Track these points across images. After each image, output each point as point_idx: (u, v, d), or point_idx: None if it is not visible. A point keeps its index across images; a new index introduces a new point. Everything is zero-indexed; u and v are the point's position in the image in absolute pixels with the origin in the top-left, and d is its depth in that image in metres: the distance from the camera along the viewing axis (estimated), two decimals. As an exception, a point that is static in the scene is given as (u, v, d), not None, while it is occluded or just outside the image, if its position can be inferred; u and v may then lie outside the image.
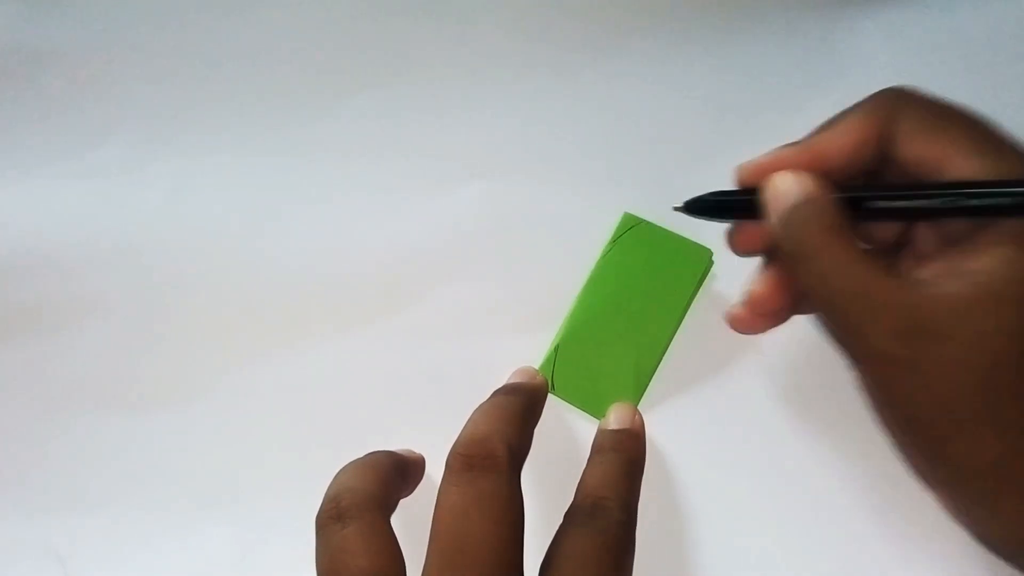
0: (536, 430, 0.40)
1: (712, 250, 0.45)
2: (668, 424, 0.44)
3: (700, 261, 0.45)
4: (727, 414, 0.45)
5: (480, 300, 0.47)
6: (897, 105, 0.36)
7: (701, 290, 0.45)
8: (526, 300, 0.46)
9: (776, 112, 0.48)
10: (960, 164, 0.34)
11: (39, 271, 0.48)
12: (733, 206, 0.39)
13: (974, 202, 0.33)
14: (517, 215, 0.48)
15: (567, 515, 0.37)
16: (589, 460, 0.40)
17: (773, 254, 0.39)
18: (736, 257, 0.44)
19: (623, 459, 0.40)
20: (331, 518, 0.35)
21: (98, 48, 0.51)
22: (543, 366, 0.44)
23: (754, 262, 0.44)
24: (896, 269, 0.37)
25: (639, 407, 0.43)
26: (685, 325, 0.45)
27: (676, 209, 0.40)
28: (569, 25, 0.50)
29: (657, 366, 0.44)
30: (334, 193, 0.49)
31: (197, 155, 0.50)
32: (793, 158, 0.37)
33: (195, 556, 0.45)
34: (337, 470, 0.38)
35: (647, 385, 0.44)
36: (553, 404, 0.44)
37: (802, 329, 0.45)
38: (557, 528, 0.37)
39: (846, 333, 0.34)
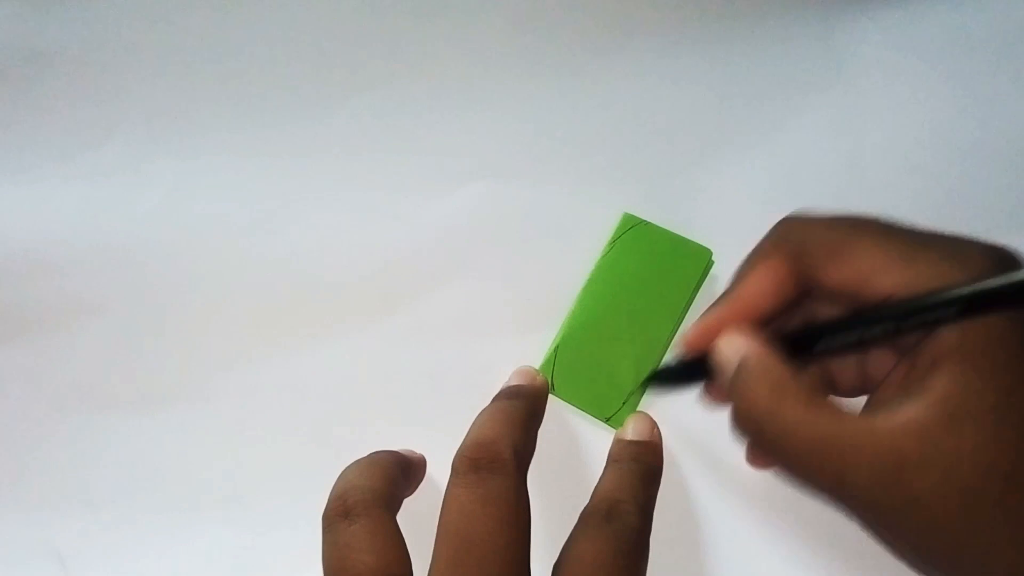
0: (539, 431, 0.40)
1: (712, 250, 0.44)
2: (668, 423, 0.43)
3: (700, 261, 0.44)
4: (727, 413, 0.45)
5: (480, 300, 0.46)
6: (797, 236, 0.35)
7: (701, 290, 0.44)
8: (526, 300, 0.46)
9: (776, 112, 0.48)
10: (878, 281, 0.33)
11: (39, 272, 0.47)
12: (696, 372, 0.38)
13: (911, 322, 0.32)
14: (518, 215, 0.47)
15: (582, 517, 0.37)
16: (606, 467, 0.40)
17: None
18: (736, 256, 0.44)
19: (641, 468, 0.40)
20: (338, 515, 0.35)
21: (97, 49, 0.50)
22: (543, 366, 0.43)
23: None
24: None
25: (642, 407, 0.43)
26: (686, 325, 0.44)
27: (645, 384, 0.42)
28: (569, 26, 0.50)
29: (657, 366, 0.43)
30: (333, 193, 0.48)
31: (196, 156, 0.49)
32: (727, 316, 0.36)
33: (196, 556, 0.44)
34: (339, 469, 0.38)
35: (647, 385, 0.43)
36: (554, 404, 0.43)
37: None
38: (569, 529, 0.37)
39: (826, 488, 0.32)
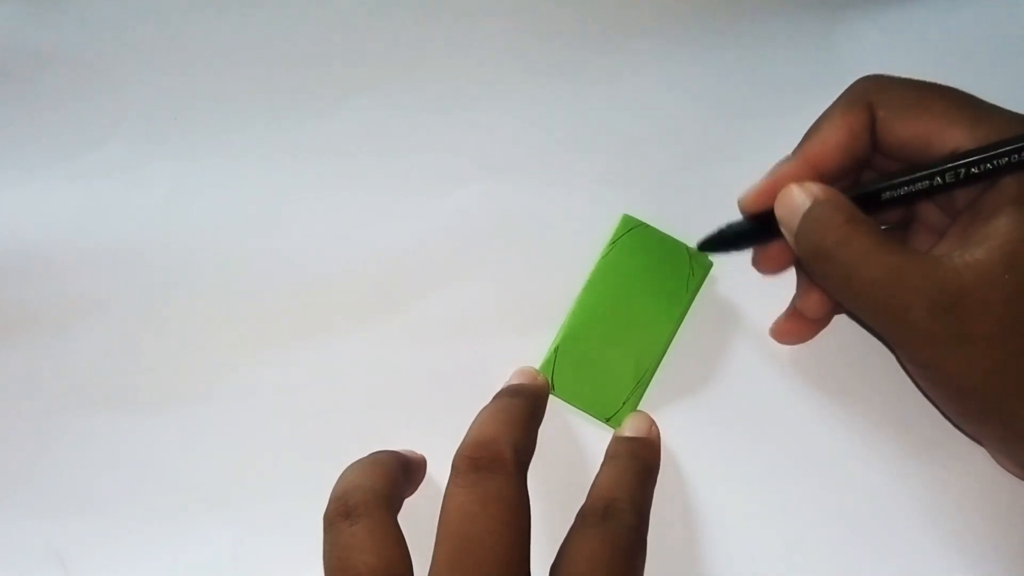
0: (539, 431, 0.40)
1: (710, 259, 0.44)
2: (668, 424, 0.43)
3: (699, 264, 0.44)
4: (727, 414, 0.44)
5: (480, 300, 0.46)
6: (873, 93, 0.37)
7: (700, 292, 0.44)
8: (526, 300, 0.46)
9: (776, 112, 0.48)
10: (947, 136, 0.35)
11: (40, 271, 0.47)
12: (749, 234, 0.40)
13: (974, 171, 0.34)
14: (517, 215, 0.47)
15: (579, 516, 0.37)
16: (603, 465, 0.40)
17: (801, 266, 0.40)
18: (735, 259, 0.44)
19: (637, 465, 0.40)
20: (339, 515, 0.35)
21: (98, 49, 0.50)
22: (543, 366, 0.43)
23: (749, 260, 0.44)
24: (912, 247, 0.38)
25: (642, 408, 0.43)
26: (684, 327, 0.44)
27: (698, 248, 0.43)
28: (570, 26, 0.50)
29: (656, 367, 0.43)
30: (333, 193, 0.48)
31: (197, 155, 0.49)
32: (792, 172, 0.38)
33: (197, 556, 0.44)
34: (340, 470, 0.38)
35: (647, 385, 0.43)
36: (554, 405, 0.43)
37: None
38: (568, 528, 0.37)
39: (885, 320, 0.34)
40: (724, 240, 0.41)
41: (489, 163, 0.48)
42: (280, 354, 0.46)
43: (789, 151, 0.44)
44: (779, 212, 0.37)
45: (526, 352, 0.44)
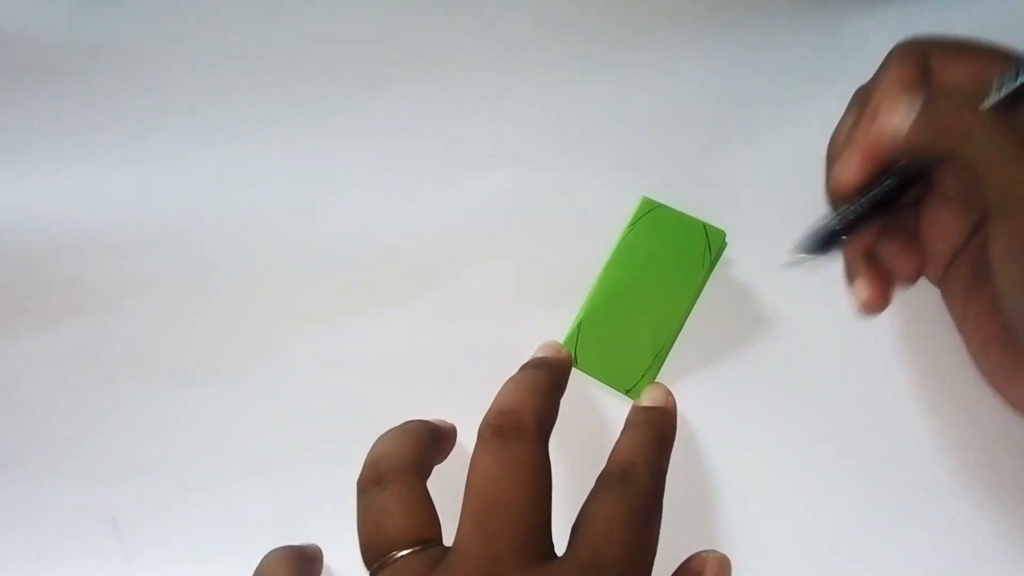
0: (562, 401, 0.41)
1: (726, 231, 0.45)
2: (685, 395, 0.44)
3: (715, 242, 0.45)
4: (741, 388, 0.46)
5: (508, 280, 0.48)
6: (923, 46, 0.39)
7: (716, 270, 0.46)
8: (550, 280, 0.47)
9: (784, 104, 0.49)
10: (998, 70, 0.35)
11: (94, 252, 0.49)
12: (852, 227, 0.39)
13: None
14: (542, 200, 0.49)
15: (598, 480, 0.38)
16: (622, 433, 0.41)
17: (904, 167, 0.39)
18: (749, 239, 0.45)
19: (655, 433, 0.40)
20: (371, 482, 0.36)
21: (147, 43, 0.52)
22: (567, 341, 0.45)
23: (761, 241, 0.45)
24: None
25: (659, 380, 0.45)
26: (701, 303, 0.46)
27: (796, 260, 0.41)
28: (589, 22, 0.51)
29: (674, 341, 0.45)
30: (368, 180, 0.50)
31: (240, 144, 0.51)
32: (866, 132, 0.38)
33: (240, 520, 0.46)
34: (373, 439, 0.39)
35: (664, 358, 0.45)
36: (577, 377, 0.44)
37: (807, 309, 0.47)
38: (587, 493, 0.38)
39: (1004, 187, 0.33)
40: (832, 233, 0.40)
41: (515, 151, 0.50)
42: (318, 330, 0.48)
43: (797, 139, 0.46)
44: (886, 126, 0.38)
45: (551, 328, 0.45)
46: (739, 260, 0.47)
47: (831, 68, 0.49)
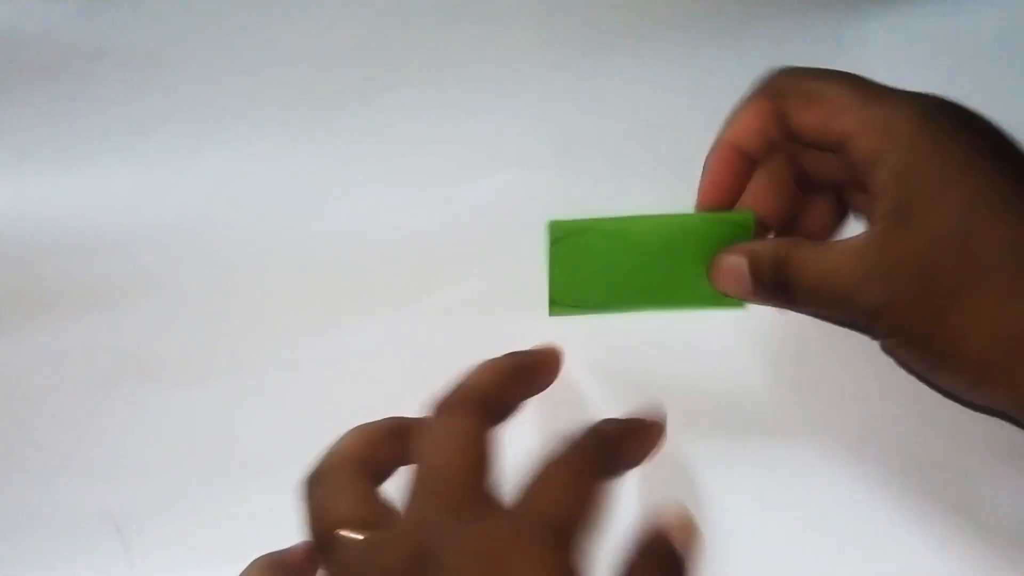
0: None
1: None
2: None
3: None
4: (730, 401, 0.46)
5: (507, 280, 0.48)
6: (779, 83, 0.39)
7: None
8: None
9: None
10: (839, 123, 0.36)
11: (94, 253, 0.49)
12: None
13: None
14: (544, 202, 0.48)
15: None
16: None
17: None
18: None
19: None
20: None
21: (149, 45, 0.52)
22: (561, 224, 0.42)
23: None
24: None
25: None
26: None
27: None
28: (590, 25, 0.51)
29: (628, 310, 0.42)
30: (369, 180, 0.50)
31: (241, 145, 0.51)
32: (719, 160, 0.41)
33: (243, 520, 0.46)
34: None
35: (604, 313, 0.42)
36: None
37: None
38: None
39: (852, 315, 0.36)
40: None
41: (515, 153, 0.50)
42: (318, 330, 0.48)
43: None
44: (725, 287, 0.40)
45: (551, 329, 0.45)
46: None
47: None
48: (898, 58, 0.50)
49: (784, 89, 0.38)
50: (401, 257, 0.49)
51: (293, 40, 0.52)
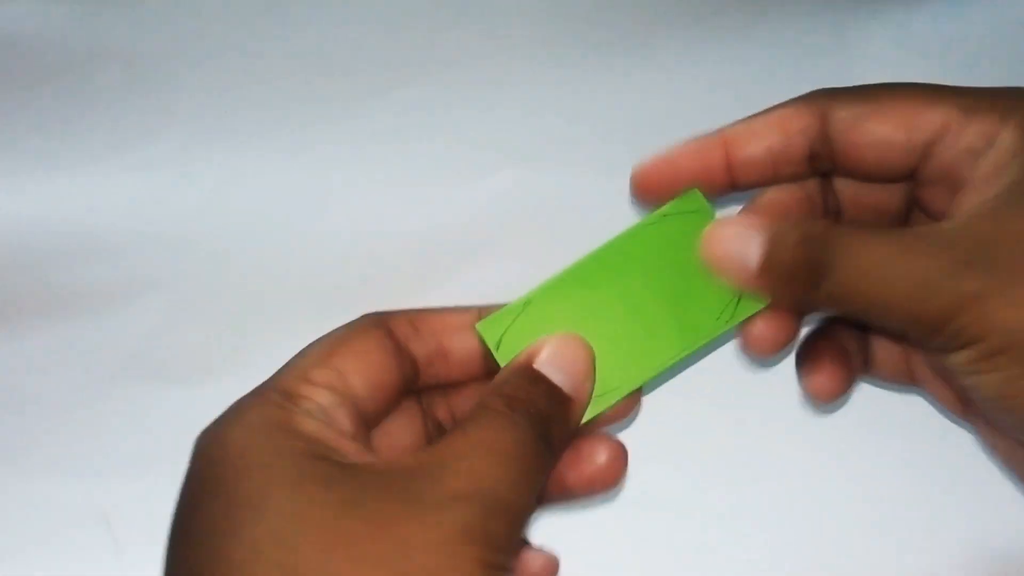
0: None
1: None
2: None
3: (743, 308, 0.33)
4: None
5: (507, 280, 0.47)
6: (827, 99, 0.33)
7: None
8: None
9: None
10: (928, 117, 0.31)
11: (95, 255, 0.49)
12: None
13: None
14: (544, 202, 0.48)
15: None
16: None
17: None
18: None
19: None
20: None
21: (151, 47, 0.52)
22: (497, 318, 0.33)
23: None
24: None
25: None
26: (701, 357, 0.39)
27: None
28: (592, 23, 0.51)
29: (639, 385, 0.33)
30: (369, 181, 0.50)
31: (244, 146, 0.51)
32: (699, 148, 0.34)
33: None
34: None
35: (614, 400, 0.33)
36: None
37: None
38: None
39: (914, 313, 0.28)
40: None
41: (516, 152, 0.50)
42: (318, 330, 0.47)
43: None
44: (719, 254, 0.31)
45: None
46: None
47: (836, 71, 0.49)
48: (899, 58, 0.50)
49: (838, 102, 0.32)
50: (399, 257, 0.48)
51: (293, 42, 0.52)
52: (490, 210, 0.49)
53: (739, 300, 0.33)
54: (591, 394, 0.32)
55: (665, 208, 0.34)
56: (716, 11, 0.51)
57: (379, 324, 0.32)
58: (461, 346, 0.33)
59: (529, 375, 0.30)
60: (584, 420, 0.32)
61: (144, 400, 0.47)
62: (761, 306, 0.32)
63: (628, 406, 0.33)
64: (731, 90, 0.50)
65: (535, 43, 0.51)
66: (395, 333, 0.32)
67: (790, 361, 0.45)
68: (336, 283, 0.48)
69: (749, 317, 0.33)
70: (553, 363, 0.30)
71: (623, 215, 0.46)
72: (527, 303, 0.33)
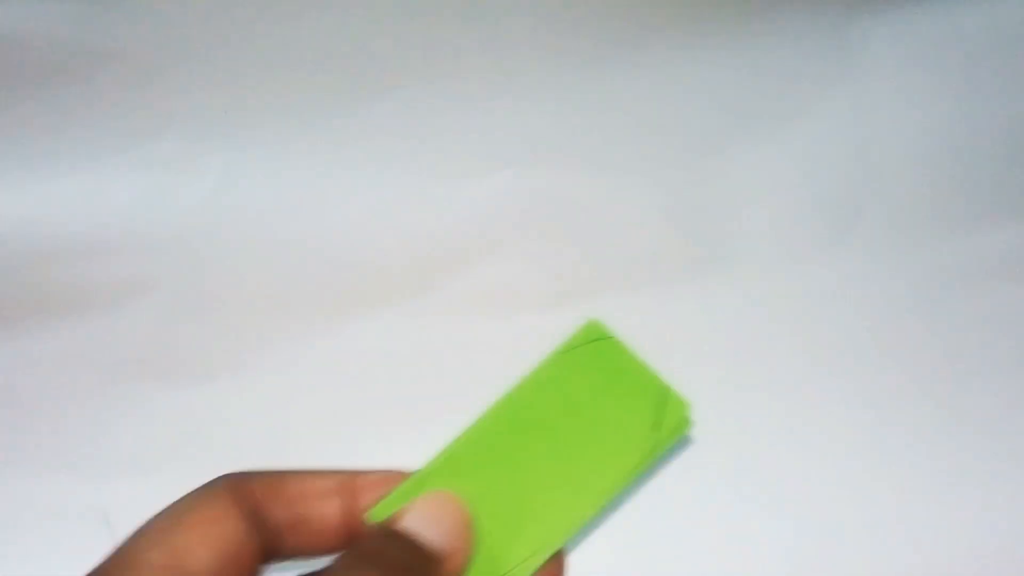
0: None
1: (689, 404, 0.30)
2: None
3: (671, 416, 0.30)
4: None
5: (507, 280, 0.47)
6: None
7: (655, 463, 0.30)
8: (550, 280, 0.47)
9: (792, 106, 0.49)
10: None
11: (95, 255, 0.49)
12: None
13: None
14: (544, 200, 0.48)
15: None
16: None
17: None
18: (751, 241, 0.43)
19: None
20: None
21: (151, 47, 0.52)
22: (393, 498, 0.29)
23: (765, 248, 0.44)
24: None
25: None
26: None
27: None
28: (592, 26, 0.51)
29: (566, 540, 0.29)
30: (369, 181, 0.50)
31: (243, 147, 0.51)
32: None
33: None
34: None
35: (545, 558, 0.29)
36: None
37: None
38: None
39: None
40: None
41: (516, 152, 0.50)
42: (318, 330, 0.48)
43: (803, 141, 0.45)
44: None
45: (550, 329, 0.44)
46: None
47: (836, 72, 0.49)
48: (899, 58, 0.50)
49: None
50: (399, 257, 0.48)
51: (292, 42, 0.52)
52: (488, 210, 0.49)
53: (659, 421, 0.30)
54: (467, 554, 0.28)
55: (568, 342, 0.31)
56: (715, 12, 0.51)
57: (233, 488, 0.29)
58: (322, 514, 0.30)
59: (387, 533, 0.28)
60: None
61: (144, 400, 0.47)
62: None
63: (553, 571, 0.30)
64: (731, 90, 0.50)
65: (535, 44, 0.51)
66: (252, 497, 0.29)
67: (789, 361, 0.45)
68: (334, 282, 0.48)
69: (676, 436, 0.30)
70: (421, 521, 0.28)
71: (623, 215, 0.46)
72: (420, 481, 0.29)
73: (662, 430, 0.29)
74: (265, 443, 0.46)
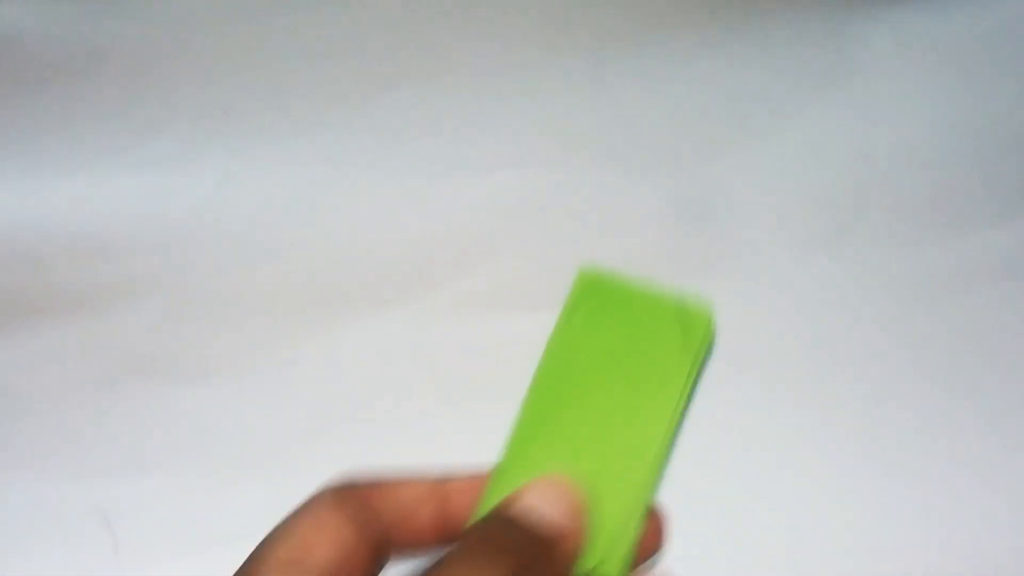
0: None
1: (712, 313, 0.28)
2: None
3: (696, 329, 0.28)
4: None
5: (507, 280, 0.47)
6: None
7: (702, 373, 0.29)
8: (550, 280, 0.47)
9: (791, 106, 0.49)
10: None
11: (96, 254, 0.49)
12: None
13: None
14: (545, 199, 0.48)
15: None
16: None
17: None
18: (751, 242, 0.44)
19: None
20: None
21: (151, 47, 0.52)
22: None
23: (765, 249, 0.44)
24: None
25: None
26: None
27: None
28: (593, 26, 0.51)
29: (653, 490, 0.28)
30: (369, 181, 0.50)
31: (243, 147, 0.51)
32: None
33: (236, 520, 0.45)
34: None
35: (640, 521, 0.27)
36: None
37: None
38: None
39: None
40: None
41: (517, 152, 0.50)
42: (317, 329, 0.47)
43: (803, 142, 0.45)
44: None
45: (551, 328, 0.45)
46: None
47: (836, 71, 0.49)
48: (899, 58, 0.50)
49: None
50: (399, 257, 0.48)
51: (293, 42, 0.52)
52: (488, 211, 0.49)
53: (686, 337, 0.28)
54: (583, 532, 0.27)
55: (566, 306, 0.30)
56: (715, 12, 0.51)
57: (339, 495, 0.29)
58: (419, 517, 0.30)
59: (502, 518, 0.27)
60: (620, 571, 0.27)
61: (144, 400, 0.47)
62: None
63: (653, 533, 0.29)
64: (731, 90, 0.50)
65: (535, 44, 0.51)
66: (357, 503, 0.29)
67: (791, 359, 0.45)
68: (333, 281, 0.48)
69: (708, 347, 0.28)
70: (536, 504, 0.28)
71: (624, 214, 0.46)
72: (503, 474, 0.28)
73: (691, 349, 0.28)
74: (265, 443, 0.46)
